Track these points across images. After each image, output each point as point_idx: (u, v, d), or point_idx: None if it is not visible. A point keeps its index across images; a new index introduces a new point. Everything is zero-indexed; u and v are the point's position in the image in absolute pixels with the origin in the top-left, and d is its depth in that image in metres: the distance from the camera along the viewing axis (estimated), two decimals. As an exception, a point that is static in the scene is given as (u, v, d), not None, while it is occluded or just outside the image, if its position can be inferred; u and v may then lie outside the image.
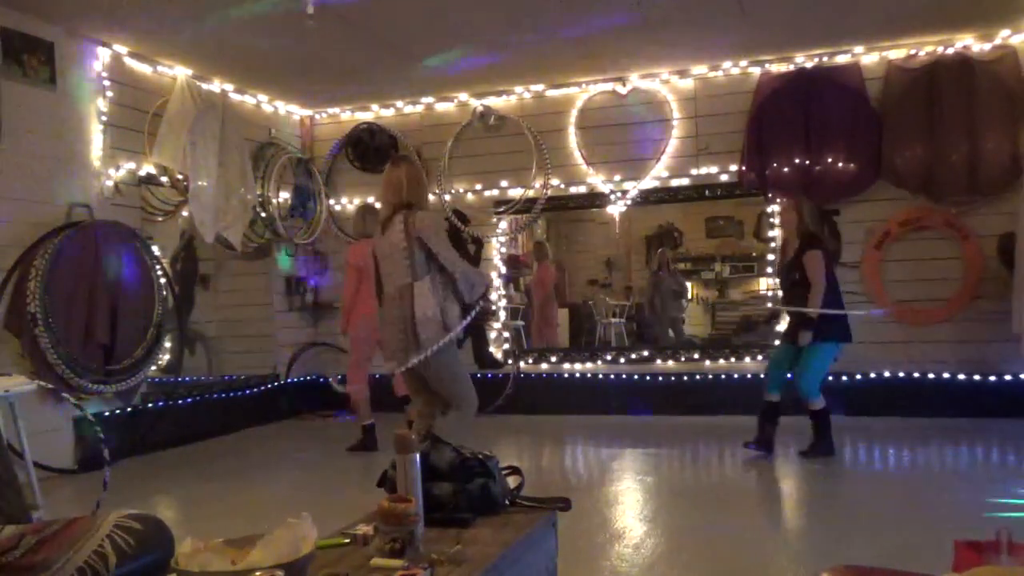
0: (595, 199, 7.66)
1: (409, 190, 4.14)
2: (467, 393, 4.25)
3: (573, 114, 7.59)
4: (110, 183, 6.12)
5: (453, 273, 4.07)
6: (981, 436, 5.86)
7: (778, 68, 7.00)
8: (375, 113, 8.19)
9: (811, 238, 5.38)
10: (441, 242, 4.09)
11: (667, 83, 7.33)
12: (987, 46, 6.50)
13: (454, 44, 6.37)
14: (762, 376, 5.78)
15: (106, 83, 6.10)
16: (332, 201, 8.28)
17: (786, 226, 5.75)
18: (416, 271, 4.06)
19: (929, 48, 6.61)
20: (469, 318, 4.16)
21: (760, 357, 7.14)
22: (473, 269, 4.36)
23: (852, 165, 6.75)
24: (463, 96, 7.84)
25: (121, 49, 6.22)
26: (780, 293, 6.00)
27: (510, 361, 7.70)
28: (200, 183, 6.55)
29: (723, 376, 7.20)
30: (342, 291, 6.51)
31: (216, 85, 7.10)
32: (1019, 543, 1.90)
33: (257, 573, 1.62)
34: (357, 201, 8.22)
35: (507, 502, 2.45)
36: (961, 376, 6.54)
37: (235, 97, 7.38)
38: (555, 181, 7.63)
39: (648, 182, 7.40)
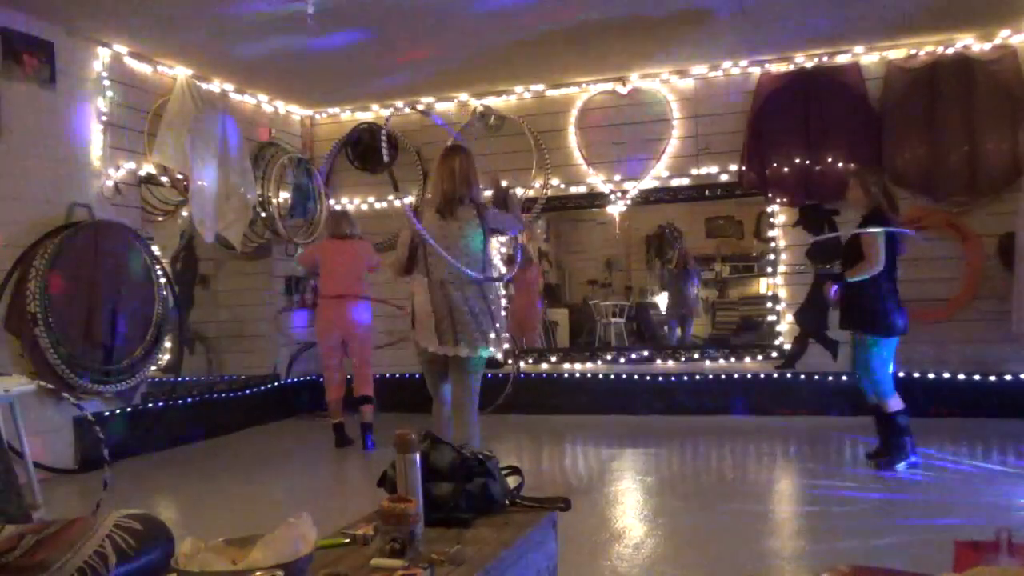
0: (595, 199, 7.65)
1: (471, 180, 4.31)
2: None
3: (573, 114, 7.60)
4: (110, 183, 6.12)
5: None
6: (981, 436, 5.86)
7: (778, 68, 7.00)
8: (375, 113, 8.19)
9: (875, 212, 4.88)
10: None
11: (667, 83, 7.34)
12: (987, 46, 6.50)
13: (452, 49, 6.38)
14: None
15: (106, 83, 6.10)
16: (332, 201, 8.29)
17: (854, 204, 5.20)
18: (487, 267, 4.28)
19: (929, 48, 6.61)
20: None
21: (760, 357, 7.15)
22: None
23: (852, 165, 6.74)
24: (463, 96, 7.85)
25: (121, 49, 6.22)
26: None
27: (510, 361, 7.70)
28: (200, 183, 6.55)
29: (723, 376, 7.21)
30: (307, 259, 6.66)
31: (216, 85, 7.11)
32: (1019, 543, 1.90)
33: (257, 573, 1.62)
34: (357, 201, 8.25)
35: (507, 502, 2.45)
36: (961, 376, 6.54)
37: (235, 97, 7.38)
38: (555, 181, 7.63)
39: (648, 182, 7.40)
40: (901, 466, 4.87)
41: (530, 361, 7.82)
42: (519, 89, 7.67)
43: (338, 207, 8.11)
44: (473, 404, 4.41)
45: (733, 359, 7.25)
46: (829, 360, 6.85)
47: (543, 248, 11.42)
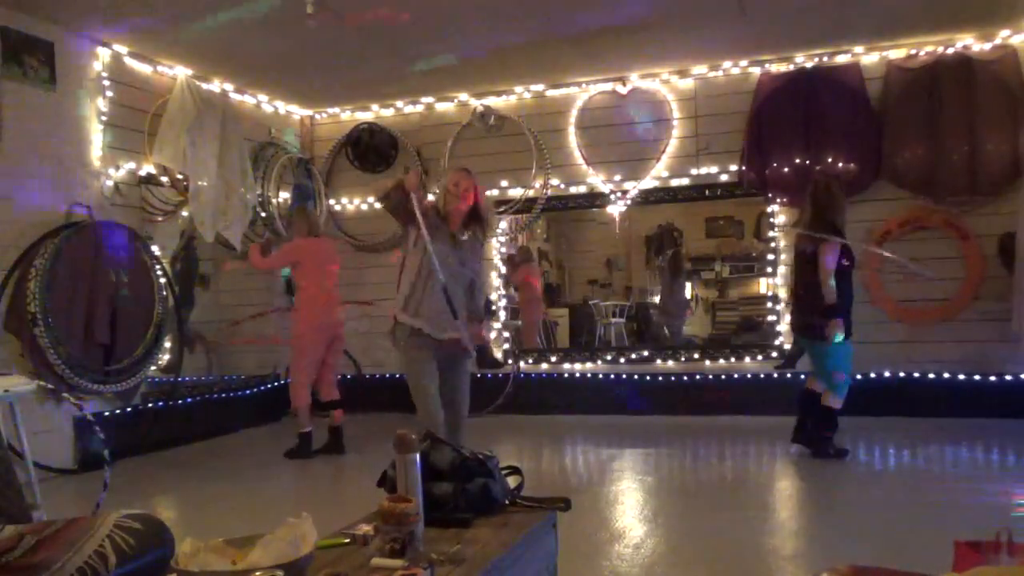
0: (595, 199, 7.65)
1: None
2: (420, 408, 4.15)
3: (573, 114, 7.59)
4: (110, 183, 6.12)
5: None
6: (981, 436, 5.86)
7: (778, 68, 6.99)
8: (375, 113, 8.19)
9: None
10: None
11: (667, 83, 7.33)
12: (987, 46, 6.50)
13: (450, 45, 6.37)
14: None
15: (106, 83, 6.10)
16: (332, 201, 8.28)
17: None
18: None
19: (929, 48, 6.61)
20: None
21: (760, 357, 7.14)
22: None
23: (852, 165, 6.75)
24: (463, 96, 7.84)
25: (121, 49, 6.22)
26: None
27: (510, 361, 7.70)
28: (200, 183, 6.54)
29: (723, 376, 7.20)
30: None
31: (216, 85, 7.11)
32: (1019, 543, 1.90)
33: (257, 573, 1.62)
34: (357, 201, 8.25)
35: (507, 502, 2.45)
36: (961, 376, 6.54)
37: (235, 97, 7.38)
38: (555, 181, 7.63)
39: (648, 182, 7.40)
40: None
41: (530, 361, 7.82)
42: (519, 89, 7.67)
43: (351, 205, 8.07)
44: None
45: (733, 359, 7.25)
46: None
47: (543, 248, 11.42)
